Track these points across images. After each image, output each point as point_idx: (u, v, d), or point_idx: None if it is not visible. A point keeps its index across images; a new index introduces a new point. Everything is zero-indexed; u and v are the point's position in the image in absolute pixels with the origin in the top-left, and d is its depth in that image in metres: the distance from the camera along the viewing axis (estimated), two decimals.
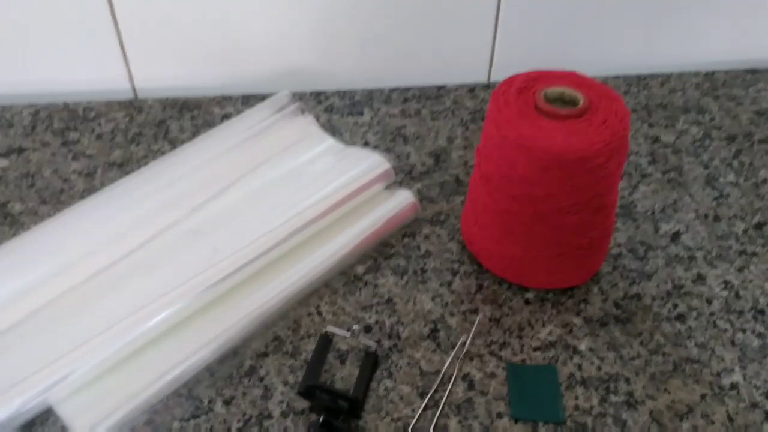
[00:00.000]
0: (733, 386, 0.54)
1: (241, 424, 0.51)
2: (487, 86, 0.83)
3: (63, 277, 0.59)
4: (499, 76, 0.84)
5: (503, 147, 0.53)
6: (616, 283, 0.61)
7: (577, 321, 0.58)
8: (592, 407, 0.52)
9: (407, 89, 0.82)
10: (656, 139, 0.76)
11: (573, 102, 0.54)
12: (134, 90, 0.82)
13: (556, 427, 0.51)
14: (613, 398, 0.53)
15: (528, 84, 0.55)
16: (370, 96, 0.81)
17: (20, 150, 0.74)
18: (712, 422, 0.52)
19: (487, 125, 0.55)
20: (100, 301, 0.57)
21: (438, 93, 0.82)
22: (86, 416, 0.50)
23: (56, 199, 0.69)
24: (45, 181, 0.70)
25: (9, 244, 0.62)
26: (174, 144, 0.75)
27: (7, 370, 0.52)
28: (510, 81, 0.56)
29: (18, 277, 0.59)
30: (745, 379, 0.54)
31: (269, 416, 0.52)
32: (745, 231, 0.66)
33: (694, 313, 0.59)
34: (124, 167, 0.72)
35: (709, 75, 0.84)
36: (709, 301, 0.60)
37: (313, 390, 0.51)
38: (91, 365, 0.53)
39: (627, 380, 0.54)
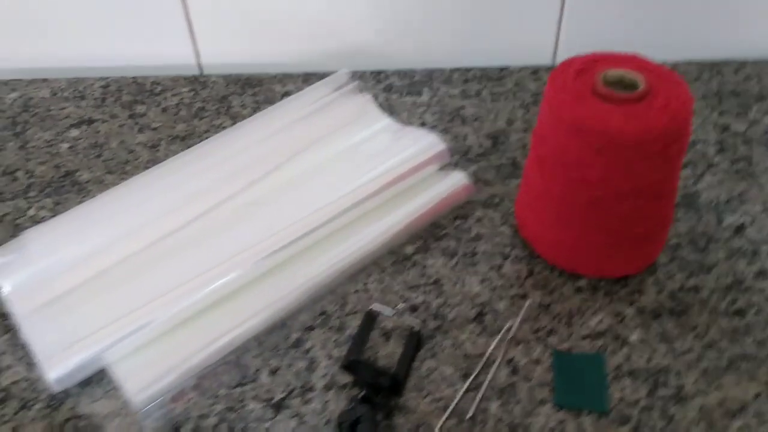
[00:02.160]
0: None
1: (284, 394, 0.52)
2: (551, 68, 0.81)
3: (124, 244, 0.61)
4: (564, 58, 0.81)
5: (558, 129, 0.52)
6: (673, 274, 0.59)
7: (629, 311, 0.57)
8: (638, 399, 0.51)
9: (468, 70, 0.81)
10: (726, 128, 0.73)
11: (633, 86, 0.52)
12: (200, 66, 0.84)
13: (599, 417, 0.50)
14: (661, 391, 0.51)
15: (588, 66, 0.54)
16: (430, 76, 0.81)
17: (90, 121, 0.77)
18: (765, 422, 0.50)
19: (543, 107, 0.54)
20: (156, 268, 0.59)
21: (500, 74, 0.81)
22: (138, 378, 0.52)
23: (121, 169, 0.71)
24: (112, 152, 0.73)
25: (75, 210, 0.64)
26: (235, 119, 0.76)
27: (69, 328, 0.55)
28: (569, 62, 0.55)
29: (81, 242, 0.61)
30: None
31: (312, 389, 0.53)
32: None
33: (754, 309, 0.56)
34: (187, 140, 0.74)
35: None
36: None
37: (356, 365, 0.52)
38: (147, 329, 0.54)
39: (677, 374, 0.53)
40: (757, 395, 0.51)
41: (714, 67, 0.80)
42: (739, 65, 0.80)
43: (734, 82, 0.78)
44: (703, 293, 0.58)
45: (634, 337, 0.55)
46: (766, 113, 0.74)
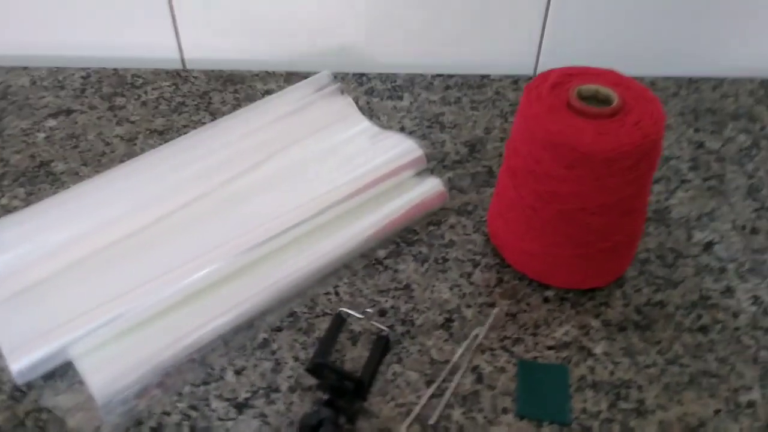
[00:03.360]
0: (750, 404, 0.52)
1: (249, 394, 0.52)
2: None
3: (95, 238, 0.60)
4: (545, 69, 0.82)
5: (531, 142, 0.52)
6: (641, 288, 0.60)
7: (595, 323, 0.57)
8: (600, 411, 0.52)
9: (450, 77, 0.82)
10: (700, 145, 0.73)
11: (607, 101, 0.52)
12: (182, 60, 0.84)
13: (561, 428, 0.51)
14: (622, 404, 0.52)
15: (563, 79, 0.54)
16: (411, 81, 0.81)
17: (69, 111, 0.77)
18: None
19: (517, 119, 0.54)
20: (126, 263, 0.59)
21: (481, 82, 0.81)
22: (102, 373, 0.52)
23: (97, 161, 0.71)
24: (88, 144, 0.73)
25: (48, 201, 0.64)
26: (215, 116, 0.76)
27: (36, 320, 0.54)
28: (545, 75, 0.55)
29: (53, 234, 0.61)
30: (763, 398, 0.53)
31: (277, 390, 0.53)
32: None
33: (719, 327, 0.57)
34: (165, 135, 0.74)
35: (765, 82, 0.81)
36: (735, 315, 0.58)
37: (321, 368, 0.52)
38: (112, 324, 0.54)
39: (639, 388, 0.53)
40: (717, 411, 0.52)
41: (692, 84, 0.81)
42: (717, 83, 0.81)
43: (711, 100, 0.79)
44: (668, 308, 0.58)
45: (598, 349, 0.56)
46: (741, 132, 0.75)
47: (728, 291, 0.60)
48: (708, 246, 0.63)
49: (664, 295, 0.59)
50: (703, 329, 0.57)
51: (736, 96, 0.79)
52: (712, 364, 0.55)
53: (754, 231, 0.65)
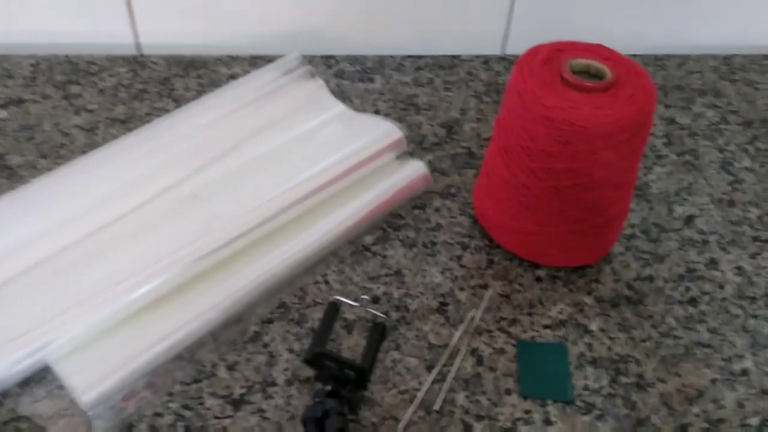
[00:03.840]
0: (744, 372, 0.53)
1: (244, 390, 0.50)
2: (502, 58, 0.81)
3: (62, 233, 0.57)
4: (513, 48, 0.82)
5: (525, 118, 0.51)
6: (629, 264, 0.60)
7: (589, 300, 0.57)
8: (601, 387, 0.52)
9: (419, 57, 0.80)
10: (672, 121, 0.74)
11: (599, 75, 0.52)
12: (138, 45, 0.80)
13: (565, 406, 0.50)
14: (623, 379, 0.52)
15: (553, 55, 0.53)
16: (381, 63, 0.79)
17: (20, 101, 0.72)
18: (722, 407, 0.51)
19: (509, 95, 0.53)
20: (100, 259, 0.55)
21: (451, 63, 0.80)
22: (84, 376, 0.49)
23: (56, 153, 0.66)
24: (45, 135, 0.68)
25: (6, 197, 0.60)
26: (179, 102, 0.73)
27: (4, 324, 0.50)
28: (535, 51, 0.54)
29: (15, 232, 0.57)
30: (756, 365, 0.53)
31: (273, 383, 0.50)
32: (760, 217, 0.65)
33: (707, 298, 0.58)
34: (127, 124, 0.70)
35: (728, 58, 0.83)
36: (721, 286, 0.59)
37: (321, 358, 0.50)
38: (90, 325, 0.51)
39: (637, 362, 0.53)
40: (713, 381, 0.52)
41: (658, 61, 0.82)
42: (682, 60, 0.82)
43: (678, 77, 0.80)
44: (657, 282, 0.59)
45: (594, 326, 0.55)
46: (709, 107, 0.76)
47: (713, 263, 0.61)
48: (689, 220, 0.64)
49: (652, 269, 0.60)
50: (693, 301, 0.58)
51: (701, 72, 0.81)
52: (705, 335, 0.55)
53: (731, 203, 0.66)
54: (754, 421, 0.50)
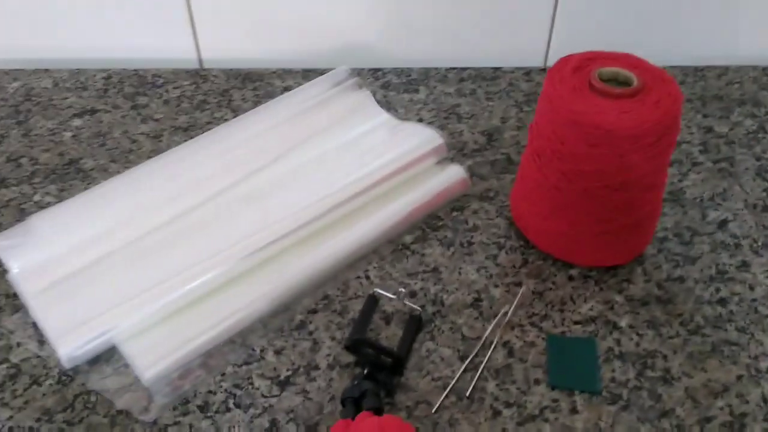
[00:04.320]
0: None
1: (290, 372, 0.54)
2: (543, 70, 0.84)
3: (129, 229, 0.62)
4: (555, 60, 0.84)
5: (555, 122, 0.54)
6: (660, 265, 0.62)
7: (619, 299, 0.59)
8: (628, 380, 0.54)
9: (463, 69, 0.84)
10: (709, 130, 0.76)
11: (627, 82, 0.55)
12: (200, 60, 0.86)
13: (592, 397, 0.53)
14: (649, 373, 0.54)
15: (584, 63, 0.57)
16: (426, 74, 0.83)
17: (93, 111, 0.78)
18: (747, 402, 0.52)
19: (541, 101, 0.56)
20: (163, 252, 0.60)
21: (494, 74, 0.83)
22: (146, 356, 0.54)
23: (125, 158, 0.73)
24: (115, 141, 0.75)
25: (81, 196, 0.66)
26: (236, 112, 0.78)
27: (78, 309, 0.56)
28: (566, 60, 0.57)
29: (87, 226, 0.62)
30: None
31: (316, 367, 0.54)
32: None
33: (736, 299, 0.59)
34: (189, 131, 0.76)
35: None
36: (752, 288, 0.60)
37: (360, 344, 0.54)
38: (153, 310, 0.56)
39: (665, 357, 0.55)
40: (739, 377, 0.54)
41: (698, 72, 0.84)
42: (722, 71, 0.84)
43: (717, 87, 0.82)
44: (688, 283, 0.61)
45: (623, 322, 0.58)
46: (748, 116, 0.78)
47: (744, 265, 0.62)
48: (722, 224, 0.66)
49: (683, 270, 0.62)
50: (722, 301, 0.59)
51: (741, 83, 0.82)
52: (733, 334, 0.57)
53: (766, 209, 0.67)
54: None
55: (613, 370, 0.54)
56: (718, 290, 0.60)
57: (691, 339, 0.57)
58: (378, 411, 0.49)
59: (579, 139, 0.53)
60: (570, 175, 0.55)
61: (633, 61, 0.57)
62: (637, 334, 0.57)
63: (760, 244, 0.64)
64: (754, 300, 0.59)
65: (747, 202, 0.68)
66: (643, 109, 0.52)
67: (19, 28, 0.83)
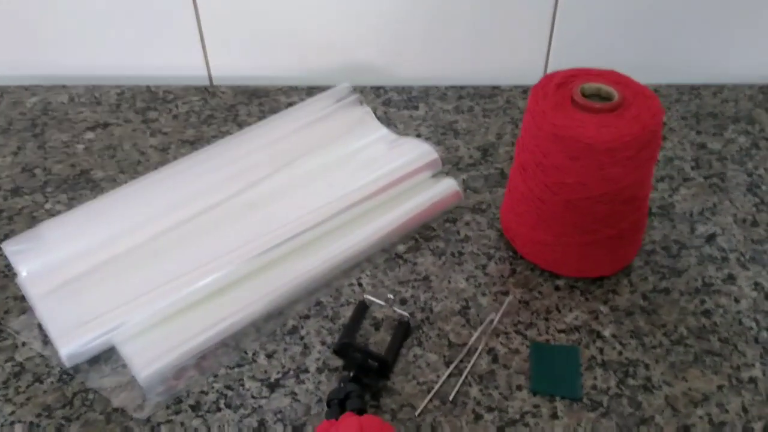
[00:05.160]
0: (752, 380, 0.55)
1: (280, 375, 0.56)
2: None
3: (133, 235, 0.65)
4: None
5: (538, 136, 0.56)
6: (647, 277, 0.63)
7: (604, 309, 0.61)
8: (609, 388, 0.55)
9: (462, 87, 0.86)
10: (702, 146, 0.77)
11: (609, 98, 0.57)
12: (210, 77, 0.89)
13: (572, 403, 0.54)
14: (630, 381, 0.55)
15: (567, 80, 0.58)
16: (426, 92, 0.86)
17: (105, 125, 0.82)
18: (726, 411, 0.53)
19: (526, 117, 0.58)
20: (163, 257, 0.63)
21: (492, 92, 0.86)
22: (143, 356, 0.56)
23: (133, 169, 0.76)
24: (125, 153, 0.78)
25: (89, 204, 0.69)
26: (242, 127, 0.81)
27: (80, 310, 0.59)
28: (551, 76, 0.59)
29: (93, 233, 0.65)
30: (764, 374, 0.56)
31: (306, 371, 0.56)
32: None
33: (721, 311, 0.60)
34: (196, 145, 0.79)
35: (764, 88, 0.85)
36: (737, 300, 0.61)
37: (347, 348, 0.56)
38: (152, 313, 0.59)
39: (646, 366, 0.56)
40: (720, 387, 0.55)
41: (693, 91, 0.85)
42: (717, 89, 0.85)
43: (712, 105, 0.83)
44: (673, 294, 0.62)
45: (607, 332, 0.59)
46: (741, 133, 0.79)
47: (730, 278, 0.63)
48: (710, 238, 0.67)
49: (669, 282, 0.63)
50: (707, 313, 0.60)
51: (735, 101, 0.83)
52: (715, 344, 0.58)
53: (755, 223, 0.68)
54: (758, 426, 0.52)
55: (595, 378, 0.56)
56: (703, 302, 0.61)
57: (673, 349, 0.58)
58: (361, 412, 0.51)
59: (560, 152, 0.55)
60: (553, 187, 0.57)
61: (616, 77, 0.58)
62: (620, 343, 0.58)
63: (747, 257, 0.65)
64: (738, 312, 0.60)
65: (736, 217, 0.69)
66: (621, 123, 0.54)
67: (39, 45, 0.87)
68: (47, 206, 0.71)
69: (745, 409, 0.53)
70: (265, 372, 0.57)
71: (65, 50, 0.87)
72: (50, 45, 0.87)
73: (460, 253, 0.66)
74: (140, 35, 0.86)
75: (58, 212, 0.70)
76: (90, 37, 0.86)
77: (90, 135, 0.80)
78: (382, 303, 0.60)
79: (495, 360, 0.57)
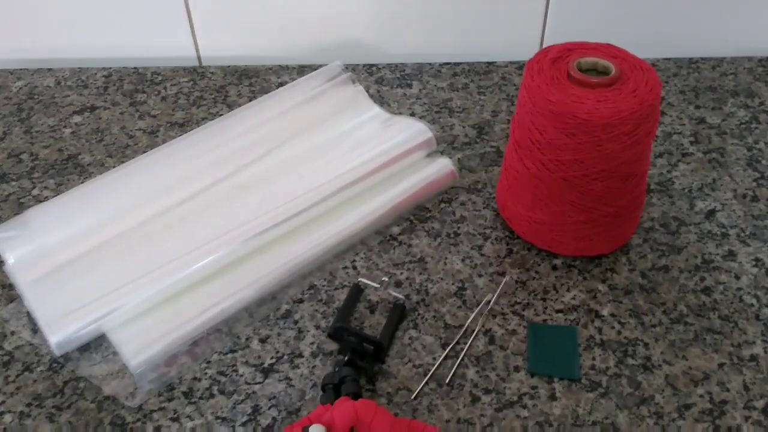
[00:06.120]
0: (753, 358, 0.54)
1: (273, 360, 0.55)
2: None
3: (122, 221, 0.64)
4: None
5: (534, 113, 0.55)
6: (645, 254, 0.62)
7: (602, 288, 0.60)
8: (608, 368, 0.54)
9: (457, 64, 0.85)
10: (701, 121, 0.76)
11: (606, 72, 0.55)
12: (199, 58, 0.87)
13: (571, 384, 0.53)
14: (630, 361, 0.54)
15: (563, 54, 0.57)
16: (420, 70, 0.84)
17: (92, 108, 0.80)
18: (727, 390, 0.52)
19: (521, 93, 0.57)
20: (153, 243, 0.62)
21: (487, 69, 0.84)
22: (133, 343, 0.55)
23: (122, 153, 0.74)
24: (113, 137, 0.76)
25: (76, 190, 0.67)
26: (232, 108, 0.79)
27: (69, 297, 0.58)
28: (546, 51, 0.58)
29: (82, 219, 0.64)
30: (765, 351, 0.55)
31: (300, 355, 0.55)
32: None
33: (721, 287, 0.59)
34: (185, 127, 0.77)
35: (764, 60, 0.83)
36: (737, 277, 0.60)
37: (342, 332, 0.55)
38: (142, 299, 0.57)
39: (646, 345, 0.55)
40: (721, 365, 0.54)
41: (692, 64, 0.83)
42: (717, 62, 0.83)
43: (711, 78, 0.81)
44: (673, 272, 0.61)
45: (605, 311, 0.58)
46: (741, 107, 0.77)
47: (730, 255, 0.62)
48: (710, 214, 0.66)
49: (668, 260, 0.62)
50: (707, 290, 0.59)
51: (735, 74, 0.82)
52: (716, 322, 0.57)
53: (755, 198, 0.67)
54: (760, 404, 0.52)
55: (594, 358, 0.55)
56: (702, 279, 0.60)
57: (673, 327, 0.57)
58: (356, 396, 0.50)
59: (557, 128, 0.54)
60: (549, 165, 0.56)
61: (613, 51, 0.57)
62: (619, 322, 0.57)
63: (747, 233, 0.64)
64: (739, 289, 0.59)
65: (736, 192, 0.68)
66: (619, 98, 0.53)
67: (24, 29, 0.85)
68: (34, 192, 0.70)
69: (746, 387, 0.53)
70: (259, 357, 0.56)
71: (51, 33, 0.85)
72: (35, 28, 0.85)
73: (456, 234, 0.65)
74: (127, 16, 0.84)
75: (46, 198, 0.69)
76: (76, 19, 0.84)
77: (77, 119, 0.79)
78: (377, 286, 0.59)
79: (492, 341, 0.56)
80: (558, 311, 0.58)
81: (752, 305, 0.58)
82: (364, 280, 0.59)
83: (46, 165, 0.73)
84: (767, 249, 0.62)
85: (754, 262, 0.61)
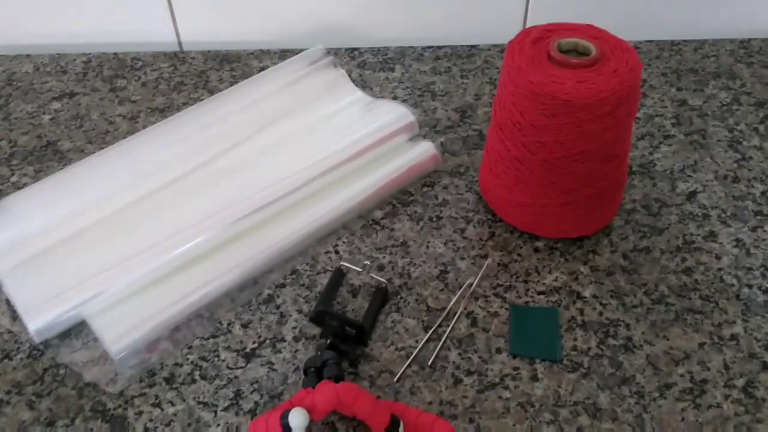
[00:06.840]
0: (733, 337, 0.55)
1: (255, 345, 0.55)
2: None
3: (101, 207, 0.63)
4: None
5: (515, 94, 0.55)
6: (627, 236, 0.62)
7: (584, 269, 0.60)
8: (589, 348, 0.54)
9: (439, 48, 0.84)
10: (683, 103, 0.76)
11: (586, 53, 0.55)
12: (179, 43, 0.86)
13: (552, 365, 0.53)
14: (611, 341, 0.55)
15: (544, 35, 0.57)
16: (402, 53, 0.84)
17: (72, 94, 0.79)
18: (708, 369, 0.53)
19: (502, 74, 0.57)
20: (134, 228, 0.61)
21: (469, 52, 0.84)
22: (114, 329, 0.55)
23: (101, 139, 0.73)
24: (92, 123, 0.75)
25: (55, 176, 0.66)
26: (213, 93, 0.79)
27: (48, 284, 0.57)
28: (527, 32, 0.57)
29: (61, 206, 0.63)
30: (746, 331, 0.55)
31: (282, 339, 0.55)
32: (764, 193, 0.66)
33: (702, 268, 0.60)
34: (165, 113, 0.76)
35: (745, 42, 0.84)
36: (718, 257, 0.61)
37: (324, 316, 0.54)
38: (122, 285, 0.57)
39: (627, 326, 0.56)
40: (702, 345, 0.54)
41: (674, 46, 0.83)
42: (698, 44, 0.84)
43: (693, 60, 0.81)
44: (654, 253, 0.61)
45: (587, 293, 0.58)
46: (722, 89, 0.77)
47: (711, 235, 0.62)
48: (691, 195, 0.66)
49: (650, 241, 0.62)
50: (688, 271, 0.60)
51: (716, 56, 0.82)
52: (697, 302, 0.57)
53: (736, 180, 0.67)
54: (740, 382, 0.52)
55: (575, 339, 0.55)
56: (684, 260, 0.60)
57: (654, 308, 0.57)
58: (338, 380, 0.50)
59: (537, 109, 0.53)
60: (530, 146, 0.56)
61: (593, 31, 0.57)
62: (601, 303, 0.57)
63: (728, 214, 0.64)
64: (720, 269, 0.60)
65: (717, 174, 0.68)
66: (599, 78, 0.52)
67: (1, 15, 0.83)
68: (13, 179, 0.69)
69: (726, 366, 0.53)
70: (241, 342, 0.55)
71: (28, 18, 0.84)
72: (12, 13, 0.84)
73: (438, 218, 0.64)
74: (107, 1, 0.83)
75: (25, 185, 0.68)
76: (54, 4, 0.83)
77: (56, 105, 0.78)
78: (359, 270, 0.59)
79: (474, 324, 0.56)
80: (540, 293, 0.58)
81: (733, 285, 0.58)
82: (347, 264, 0.59)
83: (25, 152, 0.72)
84: (748, 229, 0.63)
85: (734, 243, 0.62)
